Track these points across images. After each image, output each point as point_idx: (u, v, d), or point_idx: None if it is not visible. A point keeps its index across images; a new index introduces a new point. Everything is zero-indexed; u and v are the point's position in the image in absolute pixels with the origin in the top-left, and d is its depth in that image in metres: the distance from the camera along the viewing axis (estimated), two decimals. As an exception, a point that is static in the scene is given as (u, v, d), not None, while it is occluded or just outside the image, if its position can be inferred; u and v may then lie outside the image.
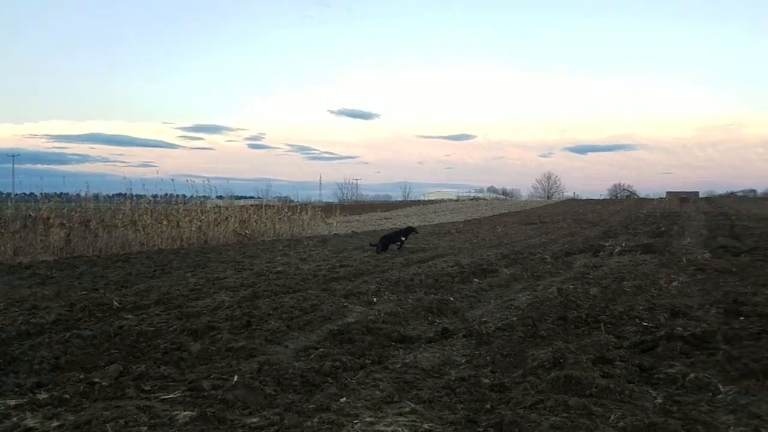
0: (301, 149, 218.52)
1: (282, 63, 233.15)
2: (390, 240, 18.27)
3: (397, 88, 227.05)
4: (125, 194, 23.94)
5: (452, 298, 9.13)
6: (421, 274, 11.58)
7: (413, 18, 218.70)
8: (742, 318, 7.21)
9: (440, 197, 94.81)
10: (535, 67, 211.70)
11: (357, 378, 5.04)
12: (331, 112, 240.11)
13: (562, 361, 5.37)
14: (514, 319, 7.41)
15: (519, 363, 5.58)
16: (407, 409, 4.25)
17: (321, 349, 6.01)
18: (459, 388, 4.72)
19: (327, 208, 40.47)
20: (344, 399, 4.44)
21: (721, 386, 4.65)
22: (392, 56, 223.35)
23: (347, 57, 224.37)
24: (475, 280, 11.28)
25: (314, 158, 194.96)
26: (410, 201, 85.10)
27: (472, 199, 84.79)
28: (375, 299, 9.03)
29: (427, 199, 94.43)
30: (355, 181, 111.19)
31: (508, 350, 5.97)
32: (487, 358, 5.69)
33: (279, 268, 13.30)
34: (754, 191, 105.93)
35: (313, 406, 4.29)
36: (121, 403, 4.30)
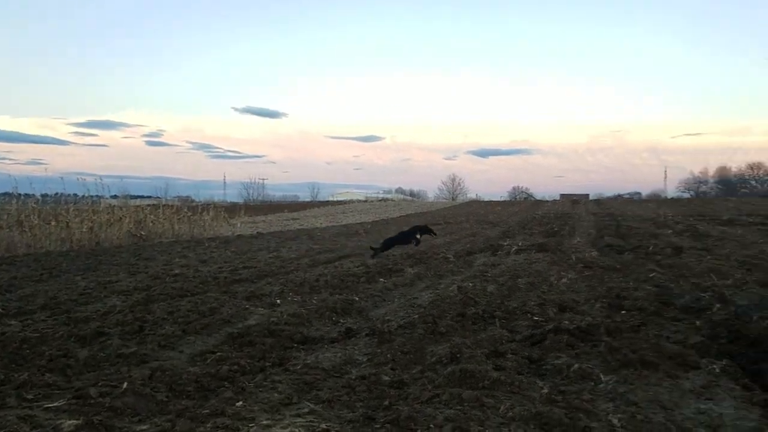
0: (204, 147, 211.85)
1: (184, 58, 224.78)
2: (396, 241, 16.85)
3: (305, 88, 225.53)
4: (11, 193, 22.61)
5: (357, 298, 9.18)
6: (326, 275, 11.56)
7: (321, 19, 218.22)
8: (623, 312, 7.75)
9: (349, 198, 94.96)
10: (440, 72, 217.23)
11: (255, 381, 4.95)
12: (236, 109, 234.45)
13: (458, 356, 5.55)
14: (416, 317, 7.57)
15: (418, 359, 5.69)
16: (306, 410, 4.23)
17: (218, 353, 5.86)
18: (359, 387, 4.75)
19: (231, 209, 39.46)
20: (241, 403, 4.36)
21: (602, 376, 4.97)
22: (300, 55, 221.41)
23: (253, 54, 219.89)
24: (381, 279, 11.41)
25: (218, 157, 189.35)
26: (319, 201, 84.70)
27: (380, 200, 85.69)
28: (278, 301, 8.91)
29: (335, 199, 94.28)
30: (261, 180, 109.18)
31: (409, 347, 6.08)
32: (388, 355, 5.76)
33: (176, 271, 12.82)
34: (639, 194, 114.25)
35: (207, 411, 4.17)
36: (0, 413, 4.00)
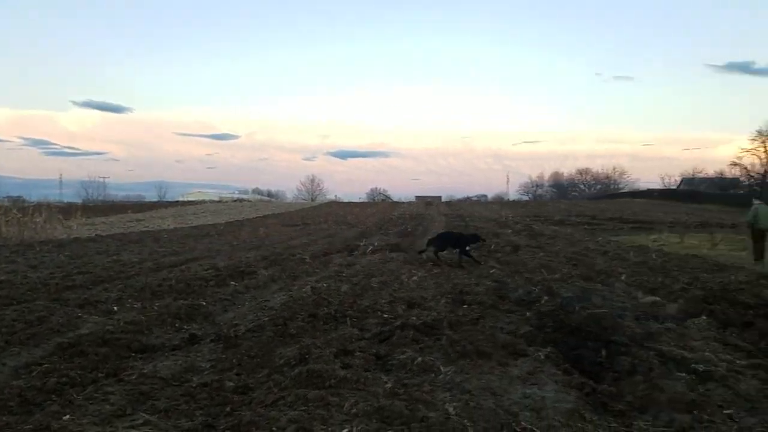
0: (38, 143, 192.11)
1: (15, 45, 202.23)
2: (451, 243, 14.59)
3: (151, 81, 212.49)
4: None
5: (204, 303, 8.81)
6: (171, 279, 10.98)
7: (169, 10, 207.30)
8: (465, 306, 8.23)
9: (201, 198, 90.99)
10: (301, 72, 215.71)
11: (86, 393, 4.58)
12: (75, 103, 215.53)
13: (307, 356, 5.54)
14: (266, 319, 7.43)
15: (266, 363, 5.59)
16: (140, 421, 3.98)
17: (46, 365, 5.34)
18: (200, 395, 4.57)
19: (67, 210, 36.09)
20: (68, 417, 4.01)
21: (442, 367, 5.22)
22: (144, 45, 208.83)
23: (93, 44, 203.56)
24: (232, 282, 11.07)
25: (54, 153, 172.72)
26: (167, 202, 79.93)
27: (236, 201, 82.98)
28: (115, 308, 8.31)
29: (186, 199, 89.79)
30: (102, 179, 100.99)
31: (256, 351, 5.96)
32: (234, 360, 5.61)
33: (2, 278, 11.49)
34: (485, 196, 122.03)
35: (30, 426, 3.79)
36: None
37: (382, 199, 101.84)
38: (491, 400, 4.34)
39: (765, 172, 56.29)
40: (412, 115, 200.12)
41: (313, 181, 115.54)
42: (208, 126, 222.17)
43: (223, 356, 5.83)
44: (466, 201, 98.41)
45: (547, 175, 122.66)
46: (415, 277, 11.30)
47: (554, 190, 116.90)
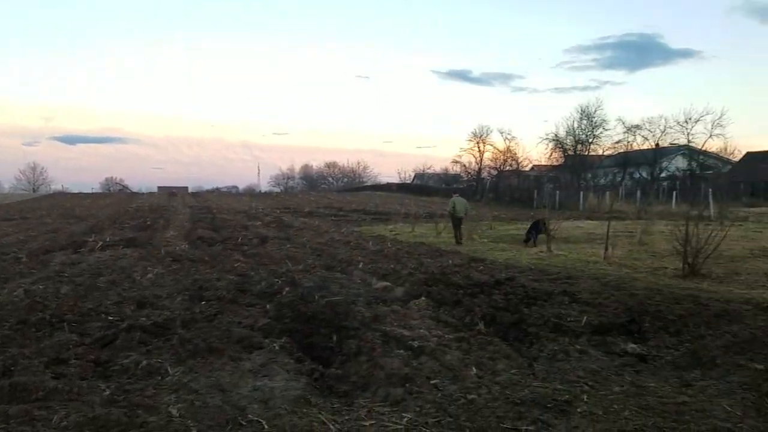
0: None
1: None
2: (538, 228, 17.16)
3: None
4: None
5: None
6: None
7: None
8: (203, 302, 7.97)
9: None
10: (18, 44, 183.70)
11: None
12: None
13: (12, 368, 4.84)
14: (-40, 331, 6.27)
15: (-47, 383, 4.71)
16: None
17: None
18: None
19: None
20: None
21: (170, 368, 4.98)
22: None
23: None
24: None
25: None
26: None
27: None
28: None
29: None
30: None
31: (-58, 369, 4.99)
32: None
33: None
34: (236, 187, 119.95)
35: None
36: None
37: (120, 190, 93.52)
38: (219, 397, 4.26)
39: (479, 169, 65.34)
40: (151, 98, 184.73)
41: (34, 169, 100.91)
42: None
43: None
44: (216, 192, 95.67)
45: (297, 168, 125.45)
46: (150, 275, 10.60)
47: (304, 182, 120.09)
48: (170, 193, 70.35)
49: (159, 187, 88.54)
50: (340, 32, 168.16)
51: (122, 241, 16.78)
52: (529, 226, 18.09)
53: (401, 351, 5.43)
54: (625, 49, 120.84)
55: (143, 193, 74.63)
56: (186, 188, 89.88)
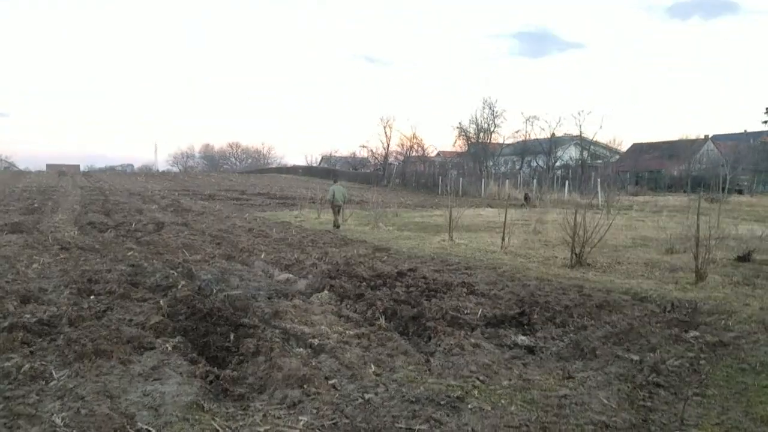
0: None
1: None
2: None
3: None
4: None
5: None
6: None
7: None
8: (92, 297, 7.55)
9: None
10: None
11: None
12: None
13: None
14: None
15: None
16: None
17: None
18: None
19: None
20: None
21: (55, 372, 4.69)
22: None
23: None
24: None
25: None
26: None
27: None
28: None
29: None
30: None
31: None
32: None
33: None
34: (131, 166, 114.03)
35: None
36: None
37: (5, 168, 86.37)
38: (106, 404, 4.05)
39: (386, 154, 65.94)
40: (42, 72, 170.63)
41: None
42: None
43: None
44: (109, 171, 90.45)
45: (198, 147, 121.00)
46: (36, 265, 9.91)
47: (205, 162, 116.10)
48: (60, 171, 65.70)
49: (48, 165, 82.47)
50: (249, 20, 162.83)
51: (6, 225, 15.54)
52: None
53: (301, 350, 5.41)
54: (525, 40, 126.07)
55: (32, 172, 69.23)
56: (77, 166, 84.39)
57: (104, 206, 24.47)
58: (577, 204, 13.20)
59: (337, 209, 19.09)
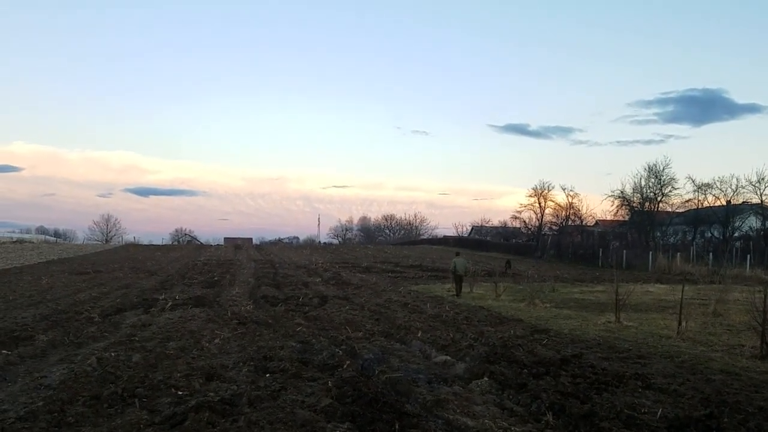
0: None
1: None
2: None
3: None
4: None
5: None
6: None
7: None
8: (268, 375, 8.08)
9: (-30, 237, 78.41)
10: (90, 98, 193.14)
11: None
12: None
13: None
14: (41, 404, 6.57)
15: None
16: None
17: None
18: None
19: None
20: None
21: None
22: None
23: None
24: (3, 351, 9.66)
25: None
26: None
27: (15, 242, 72.81)
28: None
29: (-50, 239, 76.79)
30: None
31: (22, 448, 5.23)
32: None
33: None
34: (297, 238, 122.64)
35: None
36: None
37: (188, 241, 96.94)
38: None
39: (540, 225, 64.29)
40: (217, 154, 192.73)
41: (108, 219, 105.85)
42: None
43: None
44: (278, 243, 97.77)
45: (355, 219, 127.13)
46: (217, 340, 10.87)
47: (362, 233, 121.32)
48: (236, 245, 72.51)
49: (225, 239, 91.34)
50: (397, 88, 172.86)
51: (191, 299, 17.33)
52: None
53: (466, 445, 5.32)
54: (688, 104, 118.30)
55: (211, 245, 77.19)
56: (251, 239, 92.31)
57: (275, 279, 26.42)
58: (763, 281, 11.76)
59: (458, 279, 21.55)
